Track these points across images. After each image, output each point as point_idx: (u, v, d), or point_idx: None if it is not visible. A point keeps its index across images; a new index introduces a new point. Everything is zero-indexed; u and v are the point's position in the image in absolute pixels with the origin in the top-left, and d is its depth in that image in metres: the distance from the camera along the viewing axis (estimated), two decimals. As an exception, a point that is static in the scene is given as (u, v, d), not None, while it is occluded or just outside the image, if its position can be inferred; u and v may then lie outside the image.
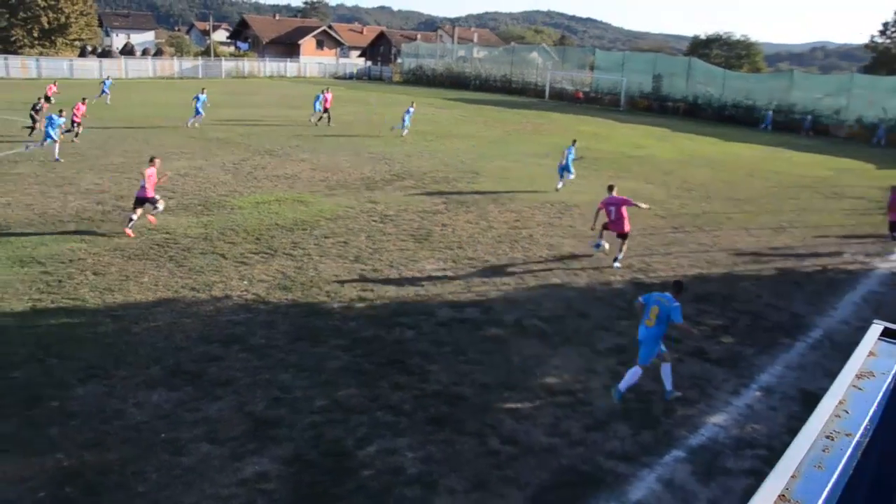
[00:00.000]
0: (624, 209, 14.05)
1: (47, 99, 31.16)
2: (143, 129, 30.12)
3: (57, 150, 22.21)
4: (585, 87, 64.40)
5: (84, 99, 28.11)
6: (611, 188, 14.68)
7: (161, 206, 14.99)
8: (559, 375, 9.37)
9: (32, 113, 26.62)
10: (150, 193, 14.63)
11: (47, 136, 22.30)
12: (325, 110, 35.14)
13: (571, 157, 21.71)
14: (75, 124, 26.27)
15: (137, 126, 31.17)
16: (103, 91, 40.66)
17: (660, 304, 8.76)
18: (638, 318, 9.09)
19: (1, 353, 8.99)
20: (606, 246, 14.79)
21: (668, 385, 8.92)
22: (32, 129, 25.75)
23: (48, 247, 13.45)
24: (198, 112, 31.95)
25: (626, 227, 14.16)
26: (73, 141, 25.52)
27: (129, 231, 14.37)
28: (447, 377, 9.10)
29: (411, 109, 33.51)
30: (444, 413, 8.21)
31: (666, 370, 8.90)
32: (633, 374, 8.73)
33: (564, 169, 21.65)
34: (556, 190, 21.29)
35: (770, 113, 49.25)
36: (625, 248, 14.42)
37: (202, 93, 32.80)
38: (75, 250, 13.31)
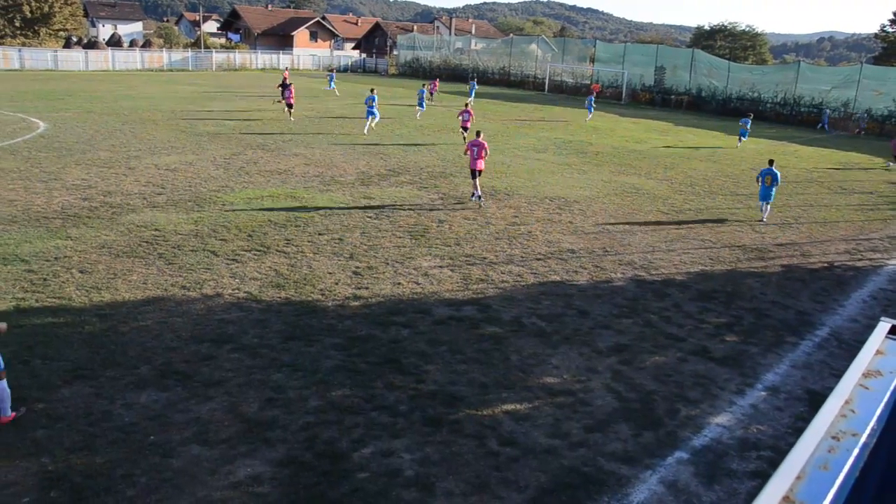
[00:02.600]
0: (483, 152, 18.01)
1: (284, 84, 39.08)
2: (131, 123, 29.85)
3: (371, 124, 30.17)
4: (586, 79, 64.15)
5: (291, 85, 35.21)
6: (478, 133, 18.85)
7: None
8: (559, 375, 9.18)
9: (281, 89, 36.78)
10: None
11: (370, 112, 30.36)
12: (431, 94, 44.03)
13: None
14: (292, 107, 34.18)
15: (126, 120, 30.91)
16: (331, 84, 49.39)
17: (771, 174, 18.22)
18: (757, 185, 19.20)
19: (-16, 354, 8.75)
20: (477, 198, 18.36)
21: (767, 212, 18.89)
22: (282, 103, 35.47)
23: (32, 244, 13.20)
24: (373, 113, 31.15)
25: (482, 167, 18.29)
26: (291, 119, 33.48)
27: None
28: (444, 377, 8.91)
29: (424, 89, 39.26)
30: (441, 414, 8.03)
31: (766, 207, 18.75)
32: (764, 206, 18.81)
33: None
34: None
35: (827, 111, 46.52)
36: (479, 183, 18.44)
37: (372, 92, 32.28)
38: (61, 248, 13.07)
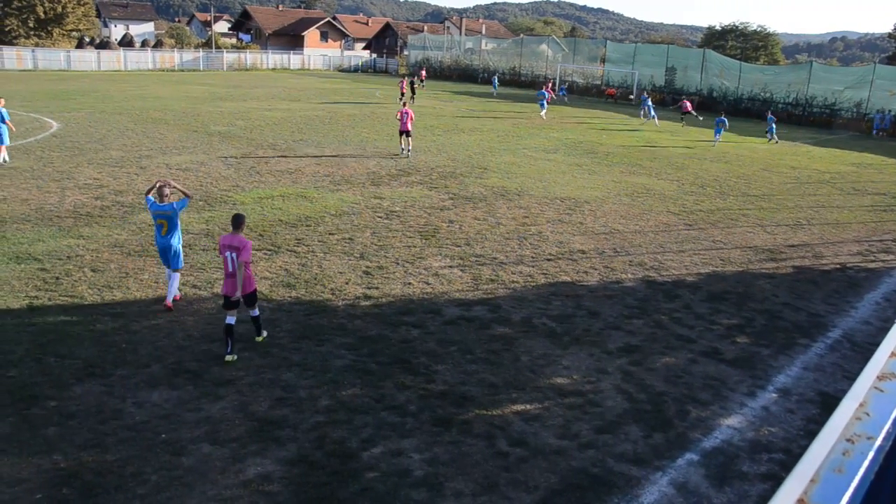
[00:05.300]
0: (409, 118, 23.82)
1: (421, 81, 53.88)
2: (142, 123, 30.02)
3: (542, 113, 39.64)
4: (596, 79, 63.92)
5: (404, 78, 47.62)
6: (404, 104, 25.01)
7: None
8: (569, 376, 9.16)
9: (414, 87, 45.54)
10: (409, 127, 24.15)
11: (542, 104, 39.63)
12: (551, 98, 47.17)
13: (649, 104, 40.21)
14: (404, 95, 42.09)
15: (137, 119, 31.07)
16: (562, 93, 54.02)
17: (723, 122, 32.29)
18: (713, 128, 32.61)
19: (-2, 352, 8.83)
20: (406, 152, 24.41)
21: (717, 142, 32.68)
22: (413, 97, 43.25)
23: (45, 243, 13.29)
24: (543, 105, 39.90)
25: (409, 128, 24.07)
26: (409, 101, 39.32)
27: None
28: (454, 377, 8.91)
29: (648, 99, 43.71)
30: (450, 414, 8.03)
31: (718, 138, 32.79)
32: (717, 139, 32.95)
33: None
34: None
35: (880, 115, 44.34)
36: (411, 141, 24.65)
37: (543, 87, 42.25)
38: (73, 246, 13.15)
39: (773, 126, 35.84)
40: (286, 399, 8.13)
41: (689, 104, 40.77)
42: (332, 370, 8.90)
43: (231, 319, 9.07)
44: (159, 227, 10.43)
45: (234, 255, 8.87)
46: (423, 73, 64.63)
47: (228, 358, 9.00)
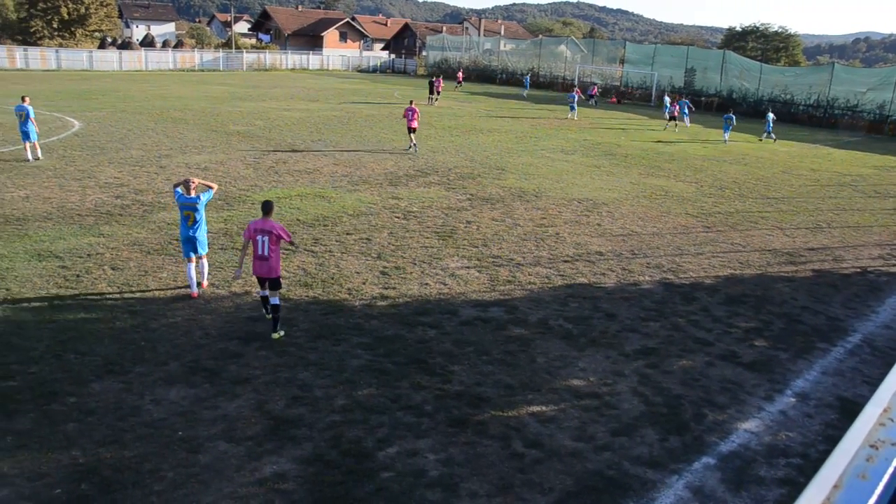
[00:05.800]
0: (416, 115, 25.15)
1: (458, 83, 59.91)
2: (162, 123, 30.30)
3: (573, 116, 40.53)
4: (615, 80, 63.57)
5: (439, 77, 47.87)
6: (411, 102, 26.26)
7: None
8: (585, 378, 9.13)
9: (434, 89, 45.18)
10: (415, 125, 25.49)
11: (572, 107, 40.43)
12: (591, 97, 50.70)
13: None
14: (436, 93, 45.02)
15: (158, 119, 31.34)
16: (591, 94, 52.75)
17: (730, 118, 33.75)
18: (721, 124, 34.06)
19: (19, 348, 8.97)
20: (413, 147, 25.56)
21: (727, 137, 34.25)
22: (432, 98, 44.64)
23: (66, 241, 13.46)
24: (573, 108, 40.77)
25: (416, 125, 25.41)
26: (434, 104, 43.82)
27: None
28: (470, 378, 8.91)
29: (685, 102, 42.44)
30: (466, 414, 8.03)
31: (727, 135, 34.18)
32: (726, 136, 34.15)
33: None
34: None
35: None
36: (414, 137, 25.69)
37: (572, 90, 44.18)
38: (94, 245, 13.31)
39: (771, 124, 36.12)
40: (302, 398, 8.17)
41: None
42: (349, 370, 8.93)
43: (265, 292, 9.98)
44: (185, 218, 10.84)
45: (265, 238, 9.50)
46: (461, 74, 64.85)
47: (269, 317, 9.93)
